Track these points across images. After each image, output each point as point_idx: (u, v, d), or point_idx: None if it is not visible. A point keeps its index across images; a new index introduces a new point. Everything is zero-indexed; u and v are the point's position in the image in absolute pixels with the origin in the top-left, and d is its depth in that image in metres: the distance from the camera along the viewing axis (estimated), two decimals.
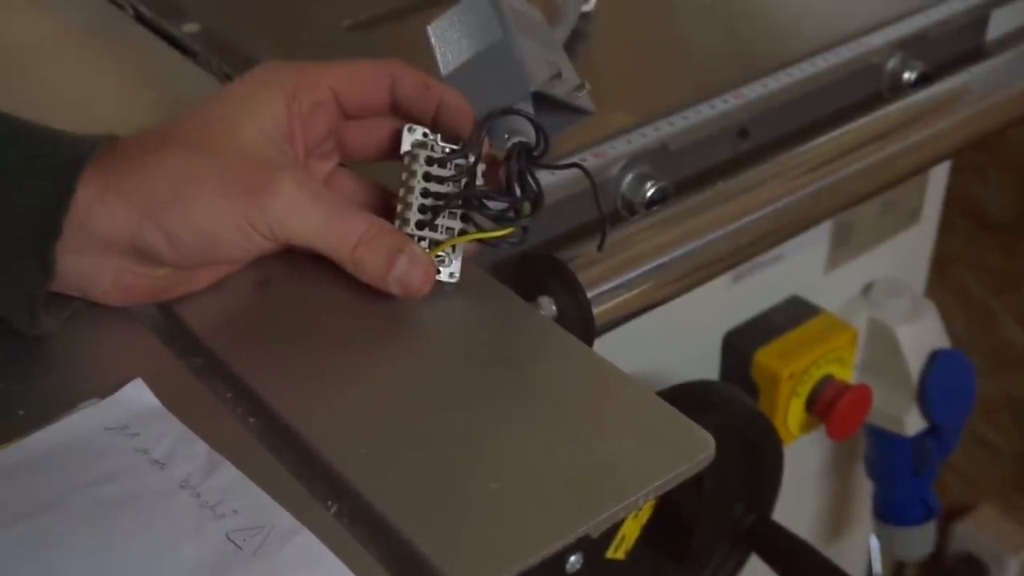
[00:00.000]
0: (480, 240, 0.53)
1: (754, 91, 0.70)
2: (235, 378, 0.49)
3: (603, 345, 0.58)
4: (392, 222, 0.52)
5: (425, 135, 0.53)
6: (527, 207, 0.52)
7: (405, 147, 0.53)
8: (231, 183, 0.49)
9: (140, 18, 0.78)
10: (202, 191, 0.49)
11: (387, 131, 0.55)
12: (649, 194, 0.65)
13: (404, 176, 0.53)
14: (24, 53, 0.72)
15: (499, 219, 0.52)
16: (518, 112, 0.54)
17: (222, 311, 0.53)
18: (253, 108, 0.51)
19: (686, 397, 0.71)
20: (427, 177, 0.52)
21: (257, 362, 0.50)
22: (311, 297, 0.53)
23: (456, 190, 0.52)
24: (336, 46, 0.75)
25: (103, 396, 0.48)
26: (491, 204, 0.52)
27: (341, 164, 0.57)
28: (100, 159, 0.49)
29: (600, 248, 0.56)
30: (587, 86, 0.61)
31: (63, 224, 0.47)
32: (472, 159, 0.52)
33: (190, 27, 0.76)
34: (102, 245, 0.49)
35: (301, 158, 0.53)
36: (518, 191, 0.52)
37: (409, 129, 0.53)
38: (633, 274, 0.60)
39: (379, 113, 0.55)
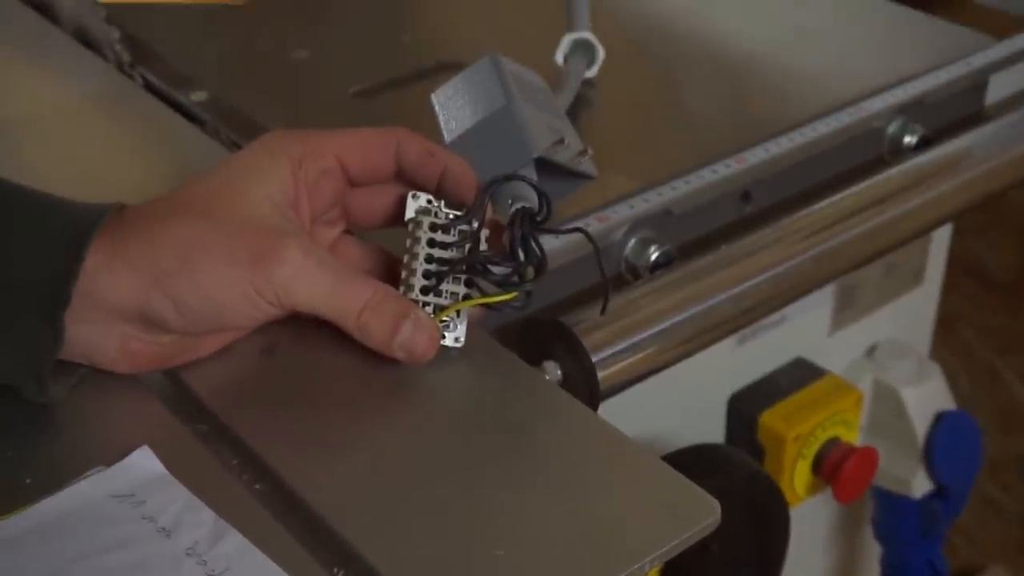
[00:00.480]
0: (484, 305, 0.53)
1: (756, 155, 0.70)
2: (241, 444, 0.49)
3: (608, 409, 0.58)
4: (397, 288, 0.53)
5: (429, 202, 0.54)
6: (530, 272, 0.53)
7: (409, 214, 0.54)
8: (237, 250, 0.49)
9: (149, 87, 0.79)
10: (208, 259, 0.49)
11: (392, 198, 0.55)
12: (653, 258, 0.65)
13: (408, 242, 0.53)
14: (34, 123, 0.73)
15: (503, 284, 0.52)
16: (521, 178, 0.55)
17: (228, 377, 0.53)
18: (259, 176, 0.52)
19: (691, 461, 0.71)
20: (431, 243, 0.53)
21: (263, 428, 0.50)
22: (317, 363, 0.53)
23: (460, 255, 0.53)
24: (341, 113, 0.76)
25: (109, 463, 0.48)
26: (495, 269, 0.52)
27: (347, 231, 0.57)
28: (108, 227, 0.49)
29: (603, 312, 0.56)
30: (589, 151, 0.61)
31: (72, 293, 0.48)
32: (475, 225, 0.53)
33: (198, 95, 0.77)
34: (109, 313, 0.49)
35: (307, 225, 0.54)
36: (521, 256, 0.53)
37: (413, 196, 0.54)
38: (638, 338, 0.60)
39: (384, 180, 0.55)
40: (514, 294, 0.52)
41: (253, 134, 0.62)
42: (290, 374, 0.53)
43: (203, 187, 0.52)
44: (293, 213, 0.52)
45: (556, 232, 0.56)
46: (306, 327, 0.53)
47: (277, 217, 0.51)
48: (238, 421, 0.50)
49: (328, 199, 0.55)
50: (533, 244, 0.53)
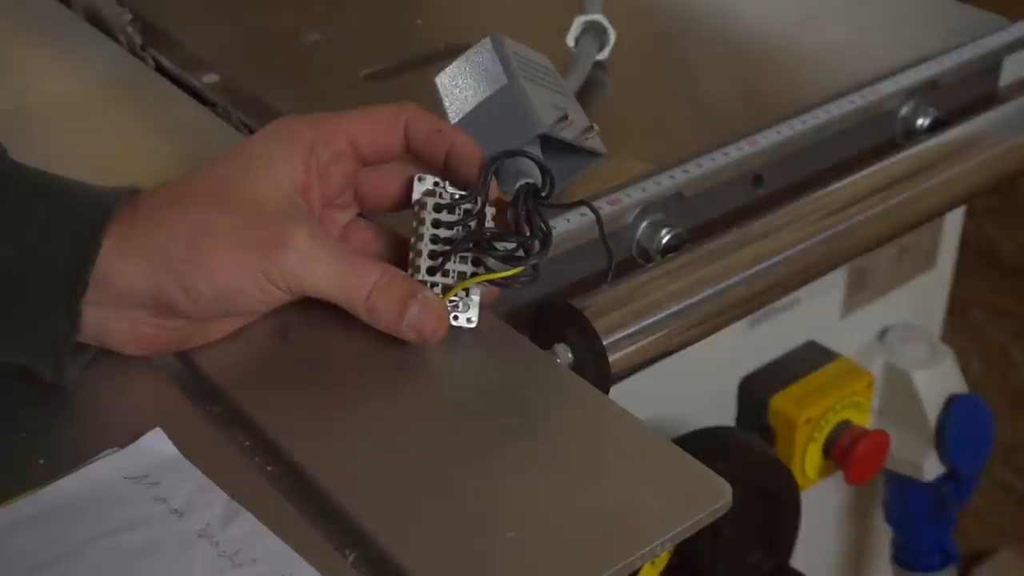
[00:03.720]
0: (491, 281, 0.53)
1: (768, 138, 0.70)
2: (253, 427, 0.49)
3: (619, 392, 0.58)
4: (406, 271, 0.53)
5: (436, 184, 0.54)
6: (536, 246, 0.53)
7: (415, 196, 0.54)
8: (246, 237, 0.50)
9: (161, 69, 0.79)
10: (219, 245, 0.49)
11: (403, 181, 0.55)
12: (664, 241, 0.65)
13: (414, 224, 0.53)
14: (46, 106, 0.73)
15: (509, 260, 0.53)
16: (522, 154, 0.55)
17: (240, 360, 0.53)
18: (269, 162, 0.52)
19: (702, 444, 0.71)
20: (436, 224, 0.53)
21: (275, 410, 0.50)
22: (329, 345, 0.53)
23: (465, 234, 0.53)
24: (353, 96, 0.75)
25: (122, 445, 0.48)
26: (500, 245, 0.53)
27: (359, 215, 0.57)
28: (121, 213, 0.49)
29: (608, 279, 0.55)
30: (596, 128, 0.61)
31: (89, 278, 0.48)
32: (479, 203, 0.53)
33: (210, 78, 0.77)
34: (121, 297, 0.49)
35: (317, 210, 0.54)
36: (527, 231, 0.53)
37: (419, 179, 0.54)
38: (648, 321, 0.60)
39: (395, 157, 0.55)
40: (521, 268, 0.52)
41: (265, 117, 0.63)
42: (303, 356, 0.53)
43: (213, 173, 0.52)
44: (303, 199, 0.53)
45: (559, 206, 0.56)
46: (319, 309, 0.53)
47: (286, 203, 0.51)
48: (251, 403, 0.50)
49: (341, 182, 0.55)
50: (538, 219, 0.53)
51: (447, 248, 0.53)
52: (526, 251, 0.53)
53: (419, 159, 0.55)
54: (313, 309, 0.53)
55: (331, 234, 0.56)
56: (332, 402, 0.51)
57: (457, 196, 0.54)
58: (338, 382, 0.52)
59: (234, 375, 0.52)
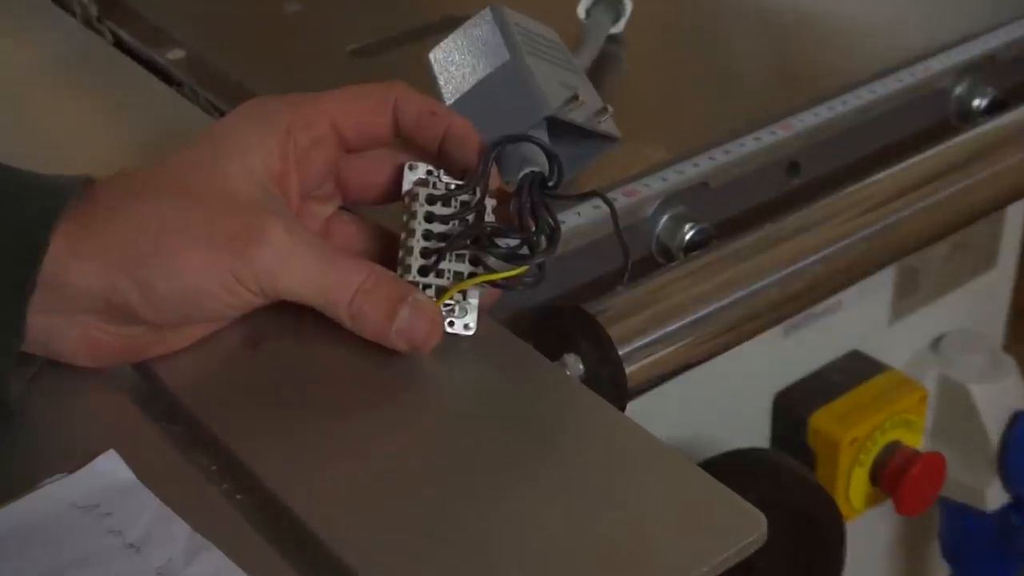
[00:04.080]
0: (491, 282, 0.53)
1: (805, 121, 0.71)
2: (221, 449, 0.49)
3: (637, 409, 0.58)
4: (395, 271, 0.53)
5: (429, 172, 0.54)
6: (542, 242, 0.52)
7: (406, 187, 0.54)
8: (214, 232, 0.49)
9: (120, 44, 0.79)
10: (183, 241, 0.49)
11: (392, 170, 0.55)
12: (688, 237, 0.65)
13: (405, 218, 0.53)
14: None
15: (511, 258, 0.52)
16: (527, 139, 0.55)
17: (207, 372, 0.53)
18: (241, 148, 0.52)
19: (732, 468, 0.71)
20: (429, 217, 0.53)
21: (246, 431, 0.50)
22: (308, 356, 0.53)
23: (462, 229, 0.53)
24: (338, 74, 0.75)
25: (72, 470, 0.48)
26: (502, 242, 0.52)
27: (342, 208, 0.57)
28: (73, 207, 0.49)
29: (624, 280, 0.56)
30: (610, 110, 0.62)
31: (36, 282, 0.48)
32: (477, 194, 0.53)
33: (175, 54, 0.77)
34: (72, 301, 0.49)
35: (295, 202, 0.54)
36: (531, 226, 0.53)
37: (410, 167, 0.54)
38: (671, 328, 0.60)
39: (382, 143, 0.55)
40: (525, 268, 0.52)
41: (237, 98, 0.62)
42: (277, 369, 0.53)
43: (178, 162, 0.52)
44: (279, 189, 0.53)
45: (568, 198, 0.56)
46: (295, 315, 0.53)
47: (260, 194, 0.51)
48: (218, 422, 0.50)
49: (321, 171, 0.55)
50: (545, 212, 0.53)
51: (441, 245, 0.52)
52: (531, 248, 0.52)
53: (410, 144, 0.55)
54: (289, 314, 0.53)
55: (311, 229, 0.55)
56: (310, 421, 0.50)
57: (453, 186, 0.54)
58: (318, 398, 0.52)
59: (199, 390, 0.52)
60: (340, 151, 0.55)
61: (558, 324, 0.59)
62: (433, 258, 0.52)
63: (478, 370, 0.53)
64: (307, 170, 0.54)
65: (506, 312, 0.58)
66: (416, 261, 0.52)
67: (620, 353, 0.58)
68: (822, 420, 0.79)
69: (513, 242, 0.52)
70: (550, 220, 0.53)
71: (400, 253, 0.53)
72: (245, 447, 0.49)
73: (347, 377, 0.52)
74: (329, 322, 0.52)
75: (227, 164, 0.51)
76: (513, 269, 0.52)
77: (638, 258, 0.64)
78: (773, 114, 0.71)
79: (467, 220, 0.53)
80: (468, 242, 0.52)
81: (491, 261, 0.52)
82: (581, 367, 0.58)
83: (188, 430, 0.50)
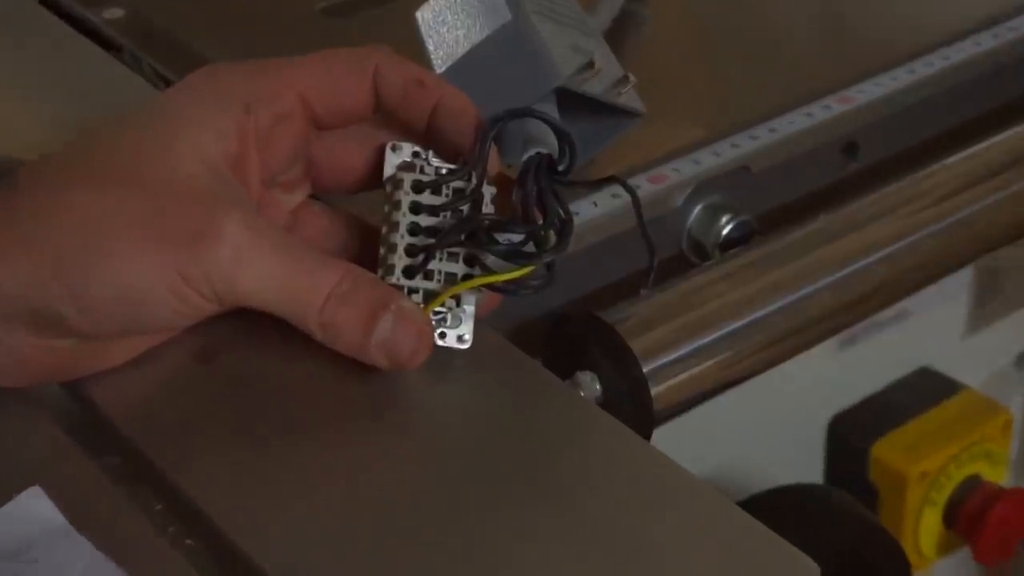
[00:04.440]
0: (490, 286, 0.53)
1: (865, 93, 0.71)
2: (167, 485, 0.49)
3: (665, 437, 0.58)
4: (375, 271, 0.53)
5: (415, 154, 0.54)
6: (551, 236, 0.52)
7: (388, 171, 0.54)
8: (160, 227, 0.49)
9: (47, 2, 0.79)
10: (122, 238, 0.49)
11: (372, 151, 0.55)
12: (725, 232, 0.66)
13: (387, 209, 0.53)
14: None
15: (514, 256, 0.52)
16: (533, 114, 0.55)
17: (150, 394, 0.53)
18: (192, 127, 0.52)
19: (780, 509, 0.72)
20: (416, 208, 0.53)
21: (196, 464, 0.50)
22: (270, 374, 0.53)
23: (455, 222, 0.52)
24: (307, 37, 0.76)
25: None
26: (503, 238, 0.52)
27: (312, 196, 0.57)
28: None
29: (649, 283, 0.56)
30: (632, 80, 0.62)
31: None
32: (474, 180, 0.53)
33: (113, 13, 0.77)
34: None
35: (256, 190, 0.54)
36: (538, 217, 0.53)
37: (393, 148, 0.54)
38: (705, 340, 0.60)
39: (359, 118, 0.55)
40: (530, 268, 0.52)
41: (186, 65, 0.62)
42: (234, 389, 0.53)
43: (118, 144, 0.52)
44: (237, 175, 0.53)
45: (582, 185, 0.56)
46: (254, 325, 0.53)
47: (213, 181, 0.51)
48: (163, 453, 0.50)
49: (287, 153, 0.55)
50: (554, 202, 0.53)
51: (431, 241, 0.52)
52: (538, 245, 0.52)
53: (393, 121, 0.55)
54: (249, 324, 0.53)
55: (275, 223, 0.56)
56: (272, 452, 0.50)
57: (444, 171, 0.54)
58: (281, 425, 0.52)
59: (140, 414, 0.52)
60: (310, 129, 0.55)
61: (570, 335, 0.60)
62: (421, 257, 0.52)
63: (474, 391, 0.53)
64: (270, 152, 0.54)
65: (508, 321, 0.58)
66: (400, 260, 0.52)
67: (644, 370, 0.58)
68: (886, 450, 0.79)
69: (516, 237, 0.52)
70: (560, 211, 0.53)
71: (381, 251, 0.53)
72: (195, 483, 0.49)
73: (317, 400, 0.52)
74: (296, 333, 0.52)
75: (173, 145, 0.51)
76: (516, 270, 0.52)
77: (665, 257, 0.64)
78: (827, 86, 0.71)
79: (461, 211, 0.53)
80: (462, 237, 0.52)
81: (490, 260, 0.52)
82: (598, 387, 0.58)
83: (127, 462, 0.50)
